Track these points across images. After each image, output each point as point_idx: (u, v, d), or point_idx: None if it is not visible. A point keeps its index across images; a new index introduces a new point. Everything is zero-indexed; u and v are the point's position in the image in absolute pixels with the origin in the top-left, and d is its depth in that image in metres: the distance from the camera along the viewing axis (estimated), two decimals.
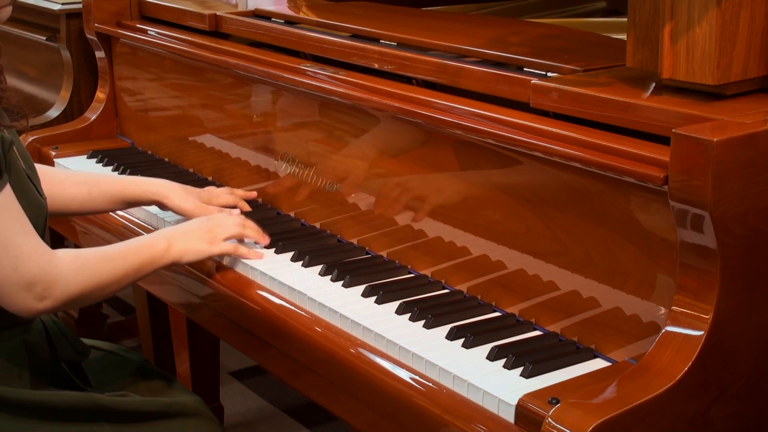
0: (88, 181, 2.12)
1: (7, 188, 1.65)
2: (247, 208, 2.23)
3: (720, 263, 1.41)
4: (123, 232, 2.30)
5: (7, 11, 1.74)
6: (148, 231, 2.24)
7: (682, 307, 1.45)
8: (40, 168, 2.06)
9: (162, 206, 2.17)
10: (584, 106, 1.62)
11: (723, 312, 1.43)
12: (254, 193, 2.29)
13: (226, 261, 2.01)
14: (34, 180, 1.80)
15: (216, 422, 1.90)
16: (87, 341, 1.96)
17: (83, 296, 1.74)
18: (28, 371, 1.77)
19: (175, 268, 2.00)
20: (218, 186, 2.43)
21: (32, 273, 1.66)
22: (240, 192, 2.26)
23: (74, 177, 2.13)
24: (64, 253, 1.73)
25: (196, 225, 1.97)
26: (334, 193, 2.11)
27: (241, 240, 2.01)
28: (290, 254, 2.01)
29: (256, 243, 2.04)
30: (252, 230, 2.02)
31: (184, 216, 2.15)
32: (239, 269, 1.99)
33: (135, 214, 2.31)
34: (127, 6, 2.80)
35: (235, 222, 2.00)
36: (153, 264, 1.86)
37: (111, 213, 2.33)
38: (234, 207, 2.21)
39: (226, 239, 1.97)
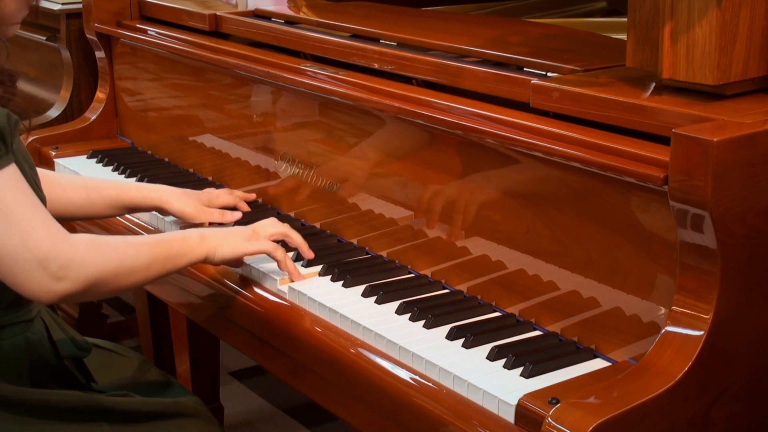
0: (88, 186, 2.09)
1: (13, 165, 1.61)
2: (247, 208, 2.23)
3: (720, 263, 1.41)
4: (124, 233, 2.30)
5: (15, 29, 1.74)
6: (149, 232, 2.24)
7: (682, 307, 1.45)
8: (40, 171, 2.06)
9: (162, 212, 2.15)
10: (584, 106, 1.62)
11: (723, 312, 1.43)
12: (253, 195, 2.29)
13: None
14: (34, 178, 1.79)
15: (215, 423, 1.90)
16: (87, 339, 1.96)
17: (105, 280, 1.65)
18: (29, 369, 1.77)
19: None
20: (218, 187, 2.43)
21: (44, 248, 1.58)
22: (239, 193, 2.26)
23: (74, 181, 2.11)
24: (81, 235, 1.67)
25: (237, 227, 1.93)
26: (334, 193, 2.11)
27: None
28: (290, 254, 2.00)
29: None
30: (296, 237, 1.93)
31: (185, 220, 2.14)
32: (239, 270, 1.99)
33: (138, 215, 2.31)
34: (127, 6, 2.80)
35: (278, 225, 1.93)
36: (183, 257, 1.78)
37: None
38: (234, 208, 2.20)
39: (267, 239, 1.89)
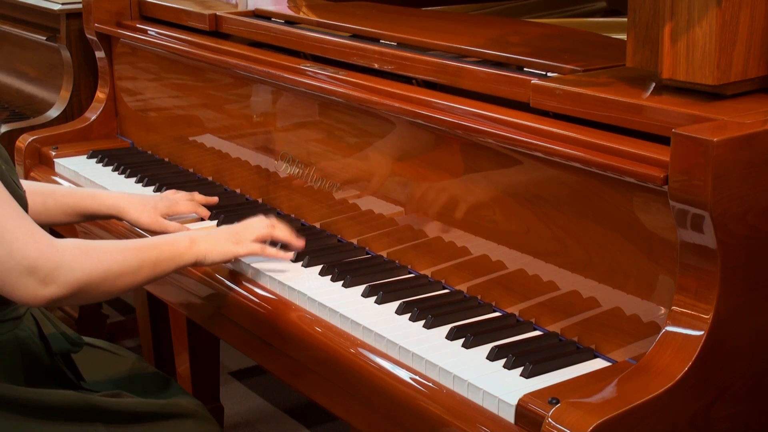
0: (44, 192, 2.07)
1: None
2: (206, 213, 2.22)
3: (720, 263, 1.41)
4: (124, 233, 2.30)
5: None
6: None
7: (682, 307, 1.45)
8: None
9: (120, 219, 2.15)
10: (584, 106, 1.62)
11: (723, 312, 1.43)
12: (215, 199, 2.28)
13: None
14: (11, 174, 1.78)
15: (214, 423, 1.90)
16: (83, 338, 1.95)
17: (93, 284, 1.67)
18: (22, 366, 1.76)
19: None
20: (218, 186, 2.43)
21: (31, 257, 1.59)
22: (200, 197, 2.24)
23: (30, 187, 2.04)
24: (67, 240, 1.68)
25: (224, 228, 1.95)
26: (334, 193, 2.11)
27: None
28: (290, 254, 2.00)
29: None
30: (282, 231, 1.95)
31: (142, 230, 2.14)
32: (238, 268, 1.99)
33: None
34: (127, 6, 2.80)
35: (263, 224, 1.94)
36: (173, 261, 1.80)
37: None
38: (193, 213, 2.19)
39: (254, 241, 1.91)
